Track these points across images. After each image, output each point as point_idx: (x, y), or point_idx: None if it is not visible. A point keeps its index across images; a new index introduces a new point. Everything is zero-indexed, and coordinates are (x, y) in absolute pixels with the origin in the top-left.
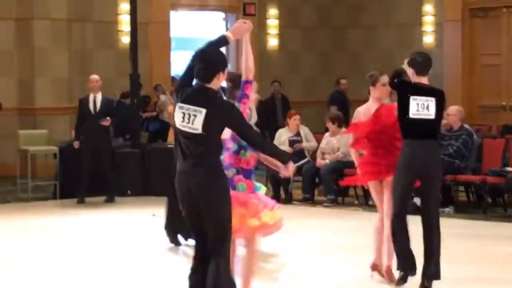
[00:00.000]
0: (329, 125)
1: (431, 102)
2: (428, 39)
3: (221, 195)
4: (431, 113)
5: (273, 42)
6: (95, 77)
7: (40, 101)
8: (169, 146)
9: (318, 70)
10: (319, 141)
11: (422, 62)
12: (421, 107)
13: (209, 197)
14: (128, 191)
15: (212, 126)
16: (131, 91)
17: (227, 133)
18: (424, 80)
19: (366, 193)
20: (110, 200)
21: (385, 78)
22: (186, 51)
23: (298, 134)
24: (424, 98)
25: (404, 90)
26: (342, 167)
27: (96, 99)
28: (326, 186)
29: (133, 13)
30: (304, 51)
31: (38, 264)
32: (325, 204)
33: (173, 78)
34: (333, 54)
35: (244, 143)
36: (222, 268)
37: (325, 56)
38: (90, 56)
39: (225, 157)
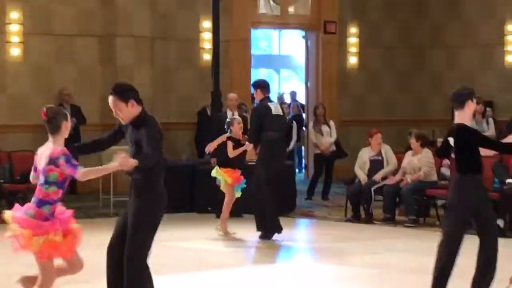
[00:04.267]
0: (413, 142)
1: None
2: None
3: None
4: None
5: (353, 60)
6: (234, 95)
7: None
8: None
9: (398, 89)
10: (399, 160)
11: (453, 96)
12: None
13: None
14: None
15: None
16: (212, 109)
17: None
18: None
19: None
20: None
21: None
22: (266, 69)
23: (379, 153)
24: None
25: None
26: (423, 187)
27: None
28: (407, 206)
29: (215, 31)
30: (384, 70)
31: None
32: (406, 225)
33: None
34: (414, 73)
35: (50, 179)
36: None
37: (405, 75)
38: (173, 73)
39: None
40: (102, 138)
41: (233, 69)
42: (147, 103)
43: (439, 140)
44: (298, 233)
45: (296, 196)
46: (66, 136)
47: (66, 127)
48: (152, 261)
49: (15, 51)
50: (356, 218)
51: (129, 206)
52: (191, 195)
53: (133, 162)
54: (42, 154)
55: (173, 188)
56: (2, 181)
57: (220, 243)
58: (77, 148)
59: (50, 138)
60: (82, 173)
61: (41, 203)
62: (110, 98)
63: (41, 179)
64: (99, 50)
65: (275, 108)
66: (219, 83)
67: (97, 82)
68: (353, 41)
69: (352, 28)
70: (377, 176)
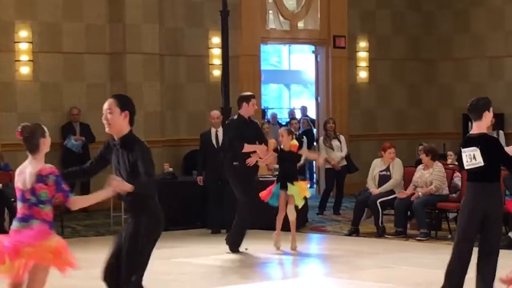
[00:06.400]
0: (423, 157)
1: (476, 152)
2: None
3: None
4: (478, 162)
5: (363, 74)
6: (215, 113)
7: None
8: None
9: (408, 103)
10: (410, 174)
11: (470, 107)
12: (469, 158)
13: None
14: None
15: None
16: (223, 124)
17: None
18: (476, 126)
19: None
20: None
21: None
22: (276, 84)
23: (389, 168)
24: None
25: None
26: (435, 201)
27: (218, 134)
28: (419, 220)
29: (224, 46)
30: (394, 84)
31: None
32: (418, 238)
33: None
34: (424, 86)
35: (42, 197)
36: None
37: (415, 88)
38: (182, 89)
39: (21, 208)
40: (87, 167)
41: (243, 84)
42: (156, 120)
43: (450, 153)
44: (310, 248)
45: (307, 211)
46: (47, 151)
47: (45, 143)
48: (163, 277)
49: (24, 70)
50: (354, 232)
51: (126, 227)
52: (203, 212)
53: (128, 187)
54: (25, 173)
55: (184, 204)
56: (12, 200)
57: (231, 259)
58: (64, 175)
59: (30, 157)
60: (73, 202)
61: (28, 218)
62: (108, 101)
63: (32, 199)
64: (108, 67)
65: None
66: (229, 99)
67: (107, 100)
68: (362, 55)
69: (362, 42)
70: (374, 191)
